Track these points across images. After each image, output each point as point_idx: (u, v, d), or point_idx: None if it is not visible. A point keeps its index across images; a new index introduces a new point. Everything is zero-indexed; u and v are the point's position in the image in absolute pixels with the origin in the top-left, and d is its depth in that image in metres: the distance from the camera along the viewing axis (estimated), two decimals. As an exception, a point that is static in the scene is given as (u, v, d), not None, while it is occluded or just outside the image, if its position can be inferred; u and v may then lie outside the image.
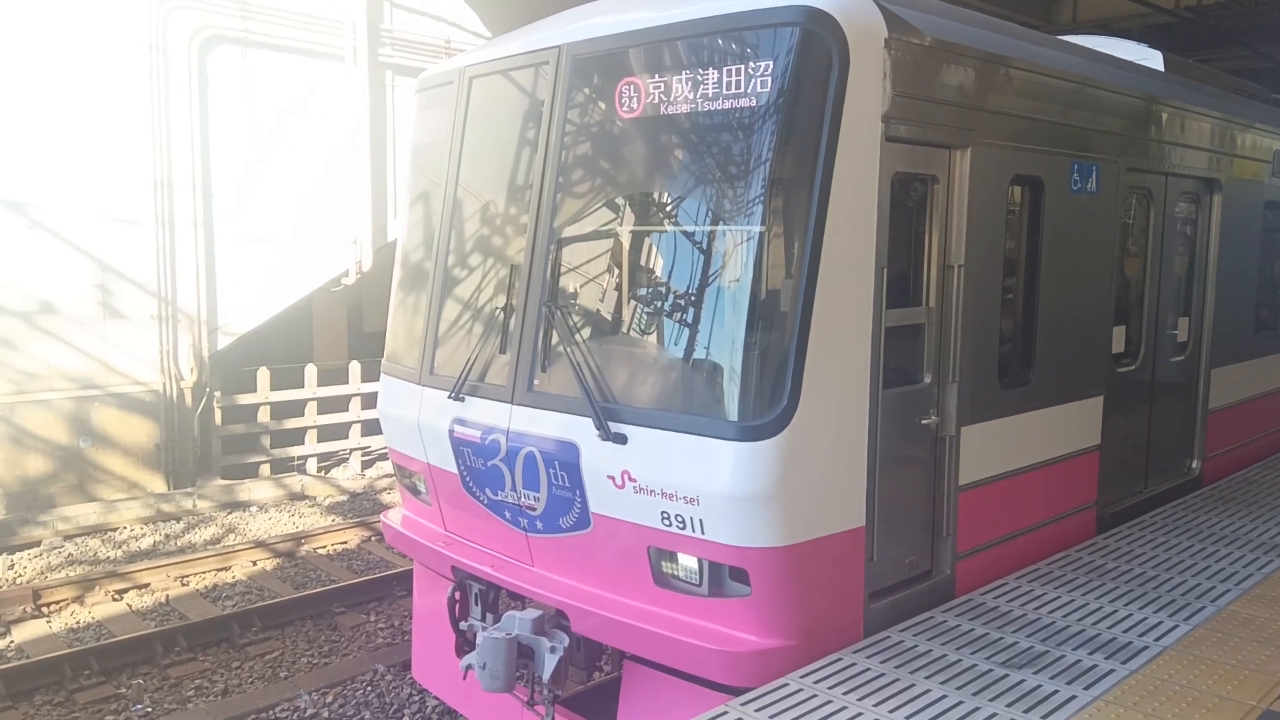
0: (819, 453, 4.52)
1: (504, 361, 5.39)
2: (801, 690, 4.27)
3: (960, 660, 4.60)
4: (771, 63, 4.42)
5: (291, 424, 14.52)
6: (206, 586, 10.26)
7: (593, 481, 4.85)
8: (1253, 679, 4.43)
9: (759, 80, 4.44)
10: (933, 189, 5.19)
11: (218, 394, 13.60)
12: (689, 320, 4.78)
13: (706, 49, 4.62)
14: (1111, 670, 4.49)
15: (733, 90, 4.51)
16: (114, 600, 9.84)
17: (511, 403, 5.26)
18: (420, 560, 6.35)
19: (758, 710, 4.09)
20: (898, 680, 4.38)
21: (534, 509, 5.22)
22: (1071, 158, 6.04)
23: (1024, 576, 5.71)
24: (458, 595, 5.82)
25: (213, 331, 13.41)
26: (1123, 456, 7.00)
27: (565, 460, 4.95)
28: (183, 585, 10.27)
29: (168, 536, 11.92)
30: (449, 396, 5.59)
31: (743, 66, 4.48)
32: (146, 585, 10.16)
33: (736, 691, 4.34)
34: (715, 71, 4.57)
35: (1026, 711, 4.10)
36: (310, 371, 14.80)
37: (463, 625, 5.74)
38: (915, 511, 5.27)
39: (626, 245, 5.14)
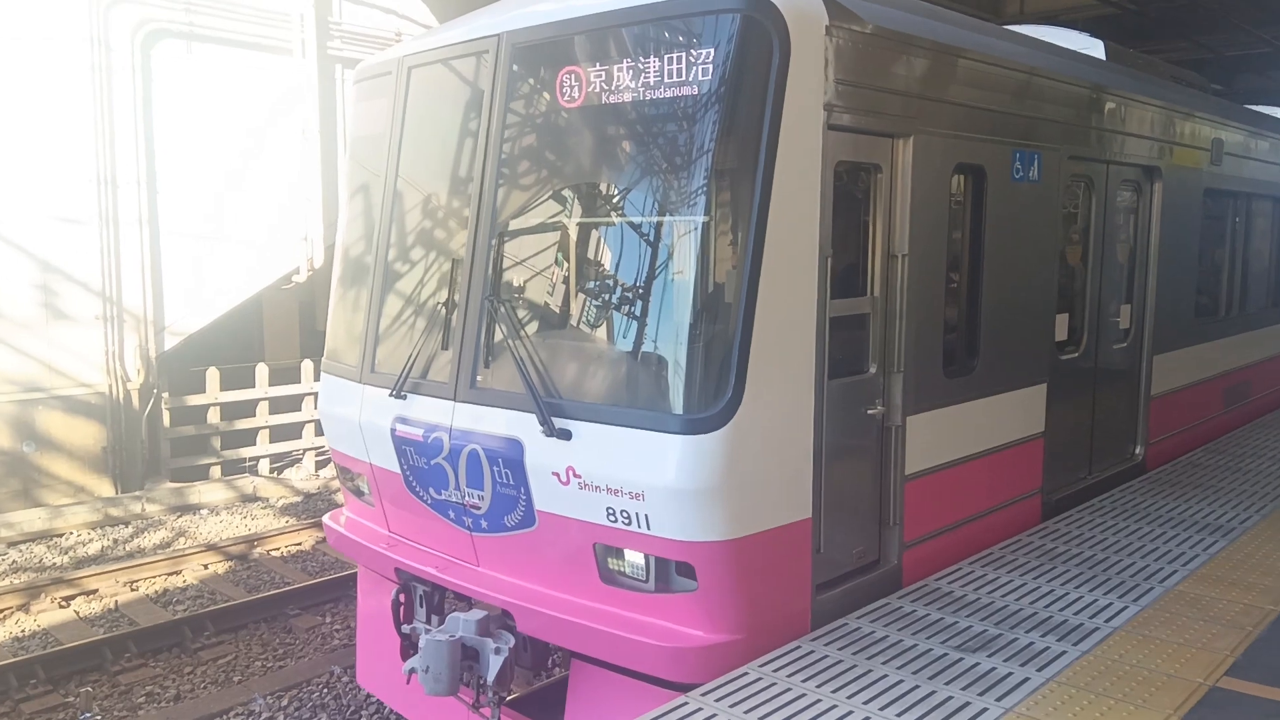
0: (765, 445, 4.49)
1: (446, 358, 5.30)
2: (761, 679, 4.26)
3: (916, 645, 4.61)
4: (712, 50, 4.37)
5: (242, 425, 14.27)
6: (157, 591, 10.05)
7: (537, 478, 4.78)
8: (1200, 657, 4.49)
9: (700, 68, 4.39)
10: (876, 178, 5.17)
11: (166, 395, 13.33)
12: (632, 313, 4.72)
13: (648, 37, 4.56)
14: (1064, 652, 4.54)
15: (674, 78, 4.45)
16: (61, 607, 9.60)
17: (454, 400, 5.17)
18: (364, 563, 6.24)
19: (718, 700, 4.06)
20: (855, 666, 4.39)
21: (478, 508, 5.14)
22: (1013, 146, 6.06)
23: (975, 561, 5.74)
24: (402, 598, 5.73)
25: (160, 331, 13.13)
26: (1067, 443, 7.06)
27: (509, 457, 4.87)
28: (132, 590, 10.04)
29: (116, 541, 11.67)
30: (390, 394, 5.49)
31: (684, 54, 4.43)
32: (95, 591, 9.93)
33: (684, 689, 4.29)
34: (656, 59, 4.50)
35: (982, 694, 4.12)
36: (261, 371, 14.55)
37: (405, 628, 5.65)
38: (862, 502, 5.27)
39: (569, 238, 5.07)
